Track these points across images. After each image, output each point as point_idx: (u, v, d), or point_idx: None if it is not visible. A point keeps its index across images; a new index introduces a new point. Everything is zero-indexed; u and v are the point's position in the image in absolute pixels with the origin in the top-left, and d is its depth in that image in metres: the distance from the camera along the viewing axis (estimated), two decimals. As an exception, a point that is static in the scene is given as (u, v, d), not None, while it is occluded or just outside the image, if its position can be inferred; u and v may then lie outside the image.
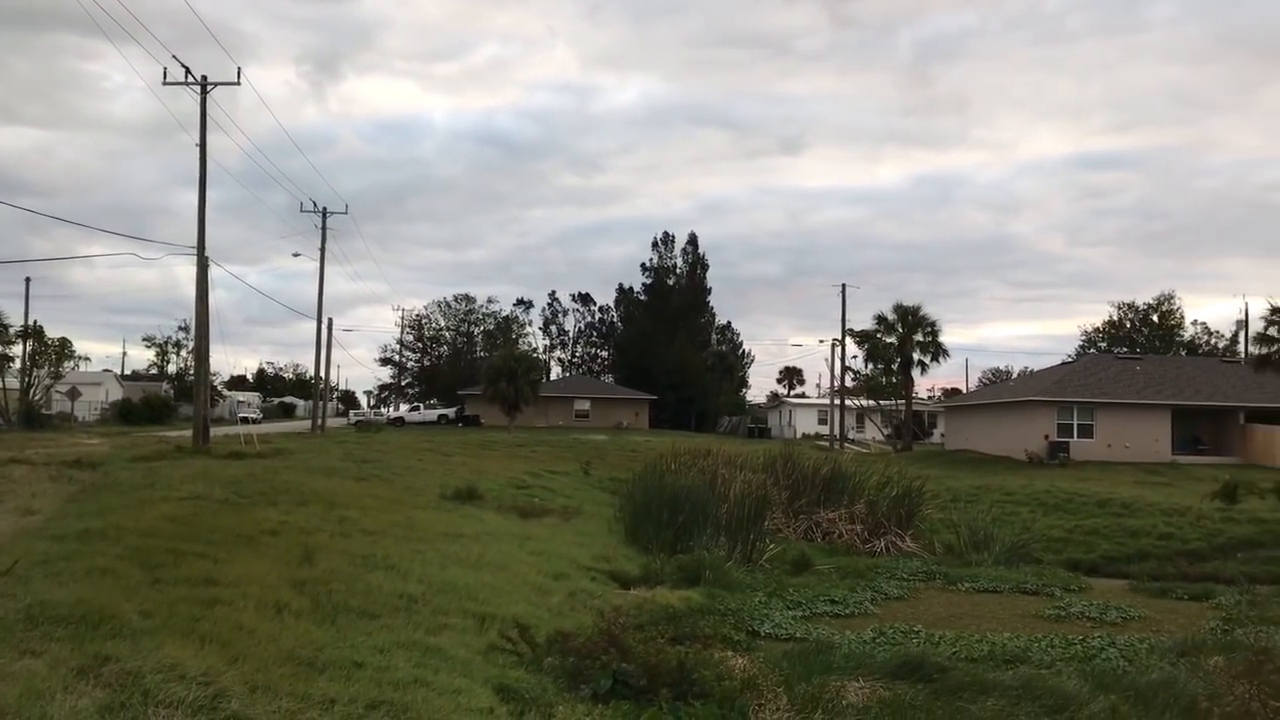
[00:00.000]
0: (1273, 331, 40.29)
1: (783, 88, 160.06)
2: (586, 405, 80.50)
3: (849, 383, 74.24)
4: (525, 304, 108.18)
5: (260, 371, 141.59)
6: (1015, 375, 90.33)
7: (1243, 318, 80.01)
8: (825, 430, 76.77)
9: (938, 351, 62.89)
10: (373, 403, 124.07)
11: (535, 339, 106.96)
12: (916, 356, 62.78)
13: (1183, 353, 75.56)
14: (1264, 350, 41.25)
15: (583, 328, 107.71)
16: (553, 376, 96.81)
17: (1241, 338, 68.63)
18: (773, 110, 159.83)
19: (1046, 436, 48.19)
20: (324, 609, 8.64)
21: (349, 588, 9.58)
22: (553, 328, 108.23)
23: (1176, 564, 23.88)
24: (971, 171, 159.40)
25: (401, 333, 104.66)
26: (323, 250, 56.63)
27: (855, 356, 71.59)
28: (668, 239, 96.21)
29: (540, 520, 19.02)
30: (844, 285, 73.12)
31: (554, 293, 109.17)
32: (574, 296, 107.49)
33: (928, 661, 9.54)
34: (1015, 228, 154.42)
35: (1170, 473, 41.74)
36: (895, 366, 64.34)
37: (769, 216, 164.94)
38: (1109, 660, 10.92)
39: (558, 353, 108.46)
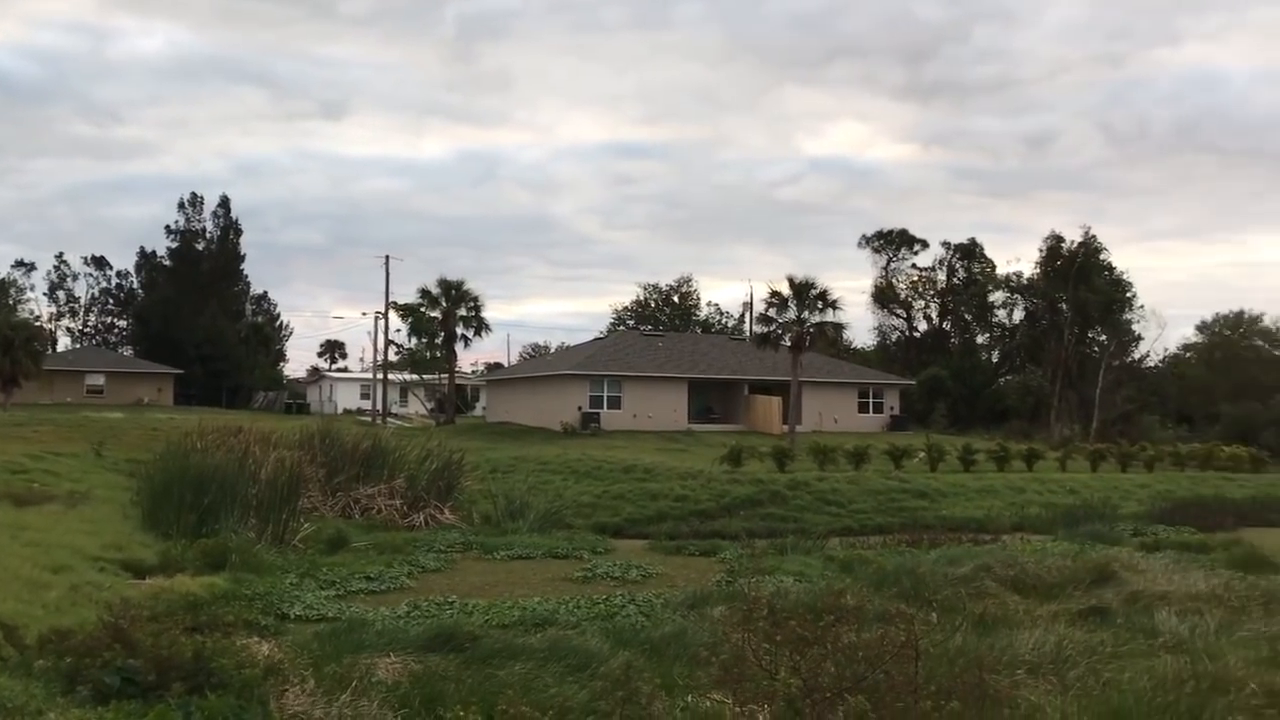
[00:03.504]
0: (772, 313, 45.08)
1: (325, 50, 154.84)
2: (100, 380, 73.25)
3: (393, 357, 73.72)
4: (26, 265, 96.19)
5: None
6: (553, 350, 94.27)
7: (749, 300, 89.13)
8: (368, 405, 75.68)
9: (481, 326, 64.07)
10: None
11: (39, 305, 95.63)
12: (460, 331, 63.52)
13: (699, 331, 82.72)
14: (764, 329, 46.10)
15: (97, 294, 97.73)
16: (60, 348, 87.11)
17: (747, 318, 76.35)
18: (314, 72, 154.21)
19: (580, 408, 50.71)
20: None
21: None
22: (60, 293, 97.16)
23: (690, 523, 26.12)
24: (514, 151, 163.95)
25: None
26: None
27: (399, 330, 71.20)
28: (196, 200, 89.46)
29: (40, 508, 17.00)
30: (388, 257, 72.47)
31: (62, 254, 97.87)
32: (87, 259, 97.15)
33: (460, 631, 9.62)
34: (555, 208, 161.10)
35: (687, 440, 45.50)
36: (439, 341, 64.72)
37: (310, 182, 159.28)
38: (629, 617, 11.63)
39: (66, 321, 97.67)
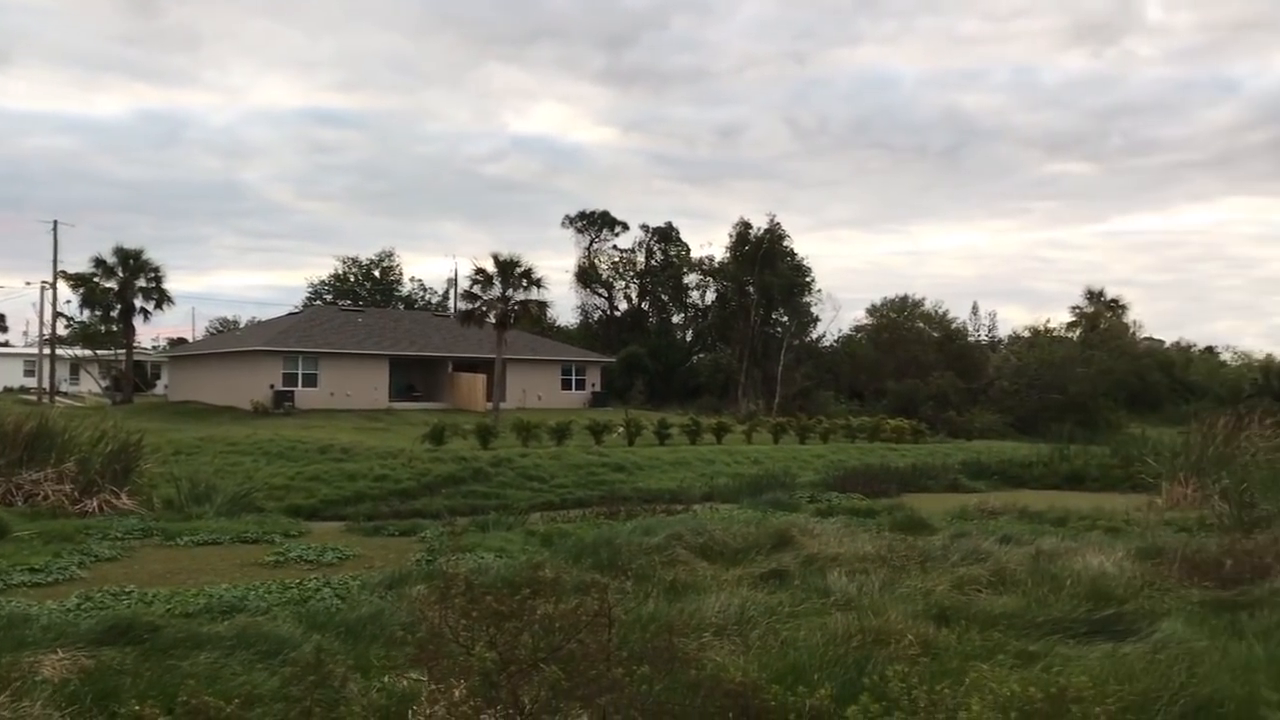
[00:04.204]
0: (476, 290, 44.91)
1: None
2: None
3: (61, 330, 67.56)
4: None
5: None
6: (244, 325, 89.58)
7: (453, 276, 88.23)
8: (34, 383, 69.11)
9: (162, 299, 60.02)
10: None
11: None
12: (139, 304, 59.30)
13: (401, 307, 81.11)
14: (468, 306, 45.86)
15: None
16: None
17: (451, 294, 75.63)
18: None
19: (272, 386, 48.56)
20: None
21: None
22: None
23: (390, 503, 25.67)
24: (202, 113, 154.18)
25: None
26: None
27: (69, 302, 65.26)
28: None
29: None
30: (55, 222, 66.11)
31: None
32: None
33: (138, 622, 9.01)
34: (246, 175, 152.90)
35: (388, 419, 44.63)
36: (115, 314, 60.02)
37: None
38: (324, 600, 11.30)
39: None
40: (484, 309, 45.51)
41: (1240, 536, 15.22)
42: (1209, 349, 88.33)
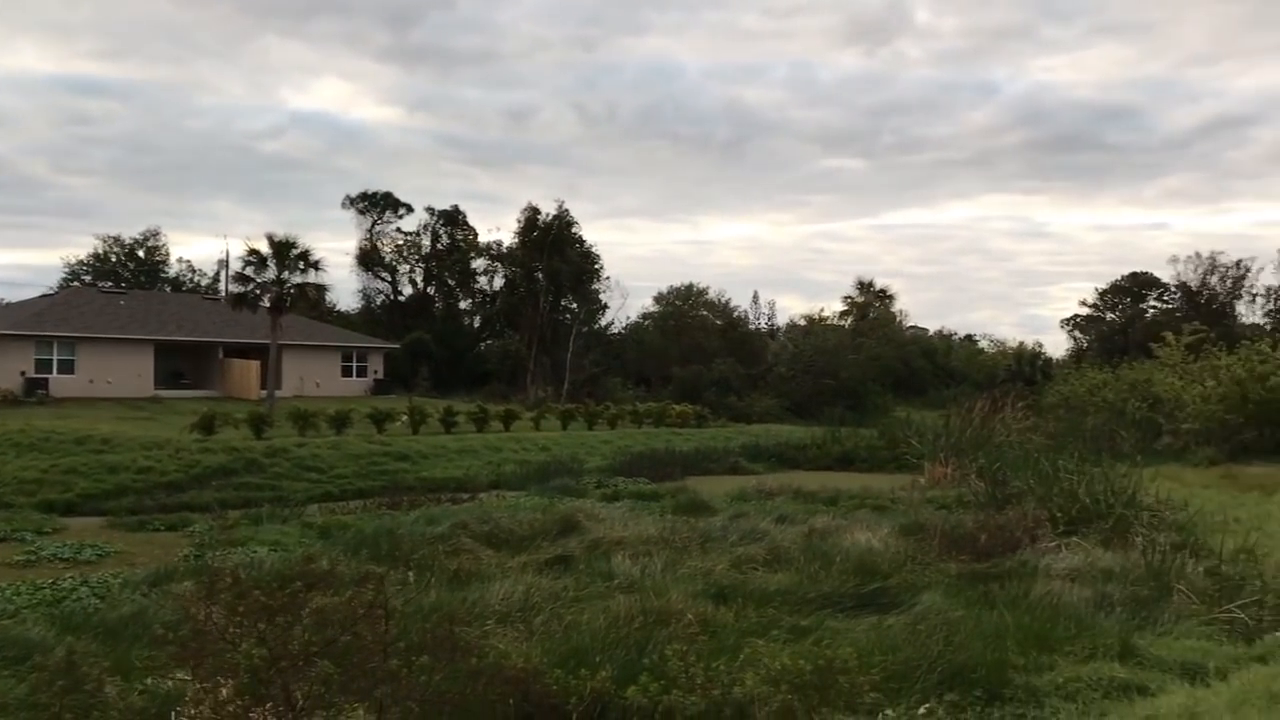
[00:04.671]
0: (250, 272, 43.00)
1: None
2: None
3: None
4: None
5: None
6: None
7: (225, 257, 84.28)
8: None
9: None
10: None
11: None
12: None
13: (168, 289, 76.86)
14: (241, 289, 43.87)
15: None
16: None
17: (223, 276, 72.22)
18: None
19: (23, 373, 45.10)
20: None
21: None
22: None
23: (156, 496, 24.29)
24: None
25: None
26: None
27: None
28: None
29: None
30: None
31: None
32: None
33: None
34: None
35: (153, 407, 42.24)
36: None
37: None
38: (80, 600, 10.62)
39: None
40: (258, 292, 43.61)
41: (994, 513, 16.36)
42: (969, 337, 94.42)
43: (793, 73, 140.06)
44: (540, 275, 69.35)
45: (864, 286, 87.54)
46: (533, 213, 70.81)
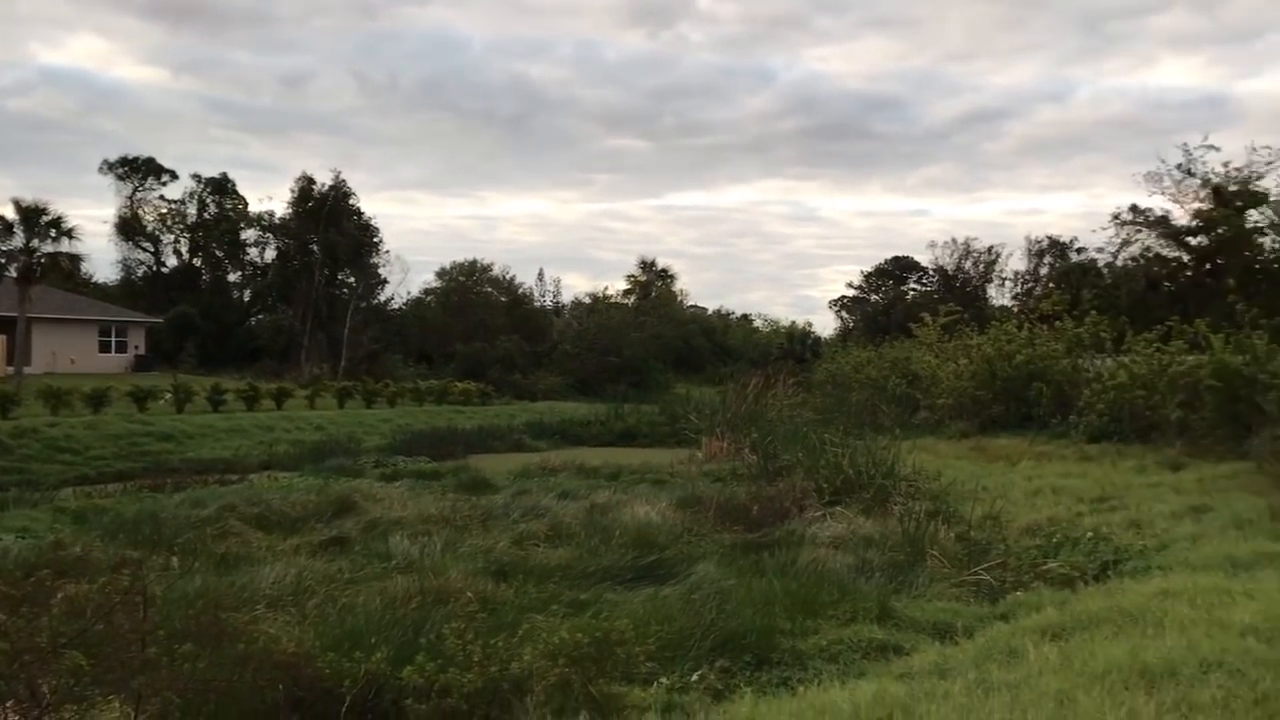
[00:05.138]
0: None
1: None
2: None
3: None
4: None
5: None
6: None
7: (-37, 223, 77.48)
8: None
9: None
10: None
11: None
12: None
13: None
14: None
15: None
16: None
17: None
18: None
19: None
20: None
21: None
22: None
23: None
24: None
25: None
26: None
27: None
28: None
29: None
30: None
31: None
32: None
33: None
34: None
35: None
36: None
37: None
38: None
39: None
40: (4, 261, 40.46)
41: (765, 485, 17.02)
42: (745, 317, 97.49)
43: (578, 51, 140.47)
44: (315, 247, 67.00)
45: (647, 266, 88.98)
46: (307, 182, 68.26)
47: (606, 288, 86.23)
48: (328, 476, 20.66)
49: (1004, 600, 9.32)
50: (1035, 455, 20.94)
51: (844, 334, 74.69)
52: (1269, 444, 15.85)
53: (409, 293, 78.45)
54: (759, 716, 5.66)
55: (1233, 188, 46.40)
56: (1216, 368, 19.04)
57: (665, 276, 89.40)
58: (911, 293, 76.98)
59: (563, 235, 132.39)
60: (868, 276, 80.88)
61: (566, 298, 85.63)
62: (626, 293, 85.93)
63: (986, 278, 73.00)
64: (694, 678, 6.85)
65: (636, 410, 40.62)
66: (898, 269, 79.71)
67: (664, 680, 6.67)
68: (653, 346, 69.79)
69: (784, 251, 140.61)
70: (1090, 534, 11.95)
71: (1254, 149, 48.00)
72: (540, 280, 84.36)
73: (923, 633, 8.17)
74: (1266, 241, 46.71)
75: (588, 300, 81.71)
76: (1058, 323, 28.95)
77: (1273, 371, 18.24)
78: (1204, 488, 14.58)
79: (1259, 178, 45.92)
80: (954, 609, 9.03)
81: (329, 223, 66.13)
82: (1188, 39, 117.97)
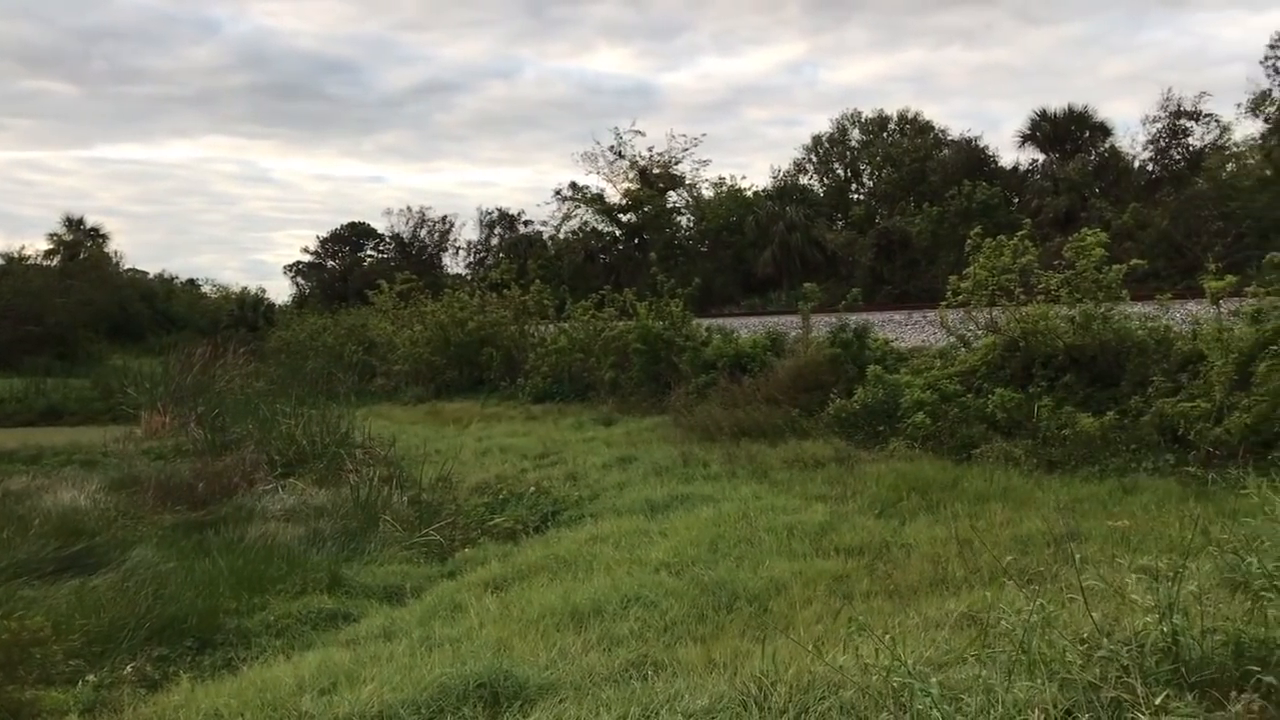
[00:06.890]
0: None
1: None
2: None
3: None
4: None
5: None
6: None
7: None
8: None
9: None
10: None
11: None
12: None
13: None
14: None
15: None
16: None
17: None
18: None
19: None
20: None
21: None
22: None
23: None
24: None
25: None
26: None
27: None
28: None
29: None
30: None
31: None
32: None
33: None
34: None
35: None
36: None
37: None
38: None
39: None
40: None
41: (212, 460, 16.15)
42: (191, 281, 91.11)
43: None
44: None
45: (74, 224, 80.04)
46: None
47: (24, 247, 76.24)
48: None
49: (452, 559, 9.69)
50: (486, 417, 21.92)
51: (300, 300, 72.77)
52: (682, 399, 17.97)
53: None
54: (194, 702, 5.41)
55: (656, 170, 51.79)
56: (641, 332, 21.21)
57: (97, 236, 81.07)
58: (369, 259, 76.77)
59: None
60: (324, 242, 79.37)
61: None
62: (49, 253, 76.71)
63: (442, 246, 74.72)
64: (127, 670, 6.38)
65: (64, 385, 36.55)
66: (355, 235, 79.07)
67: (91, 678, 6.15)
68: (83, 314, 63.16)
69: (235, 213, 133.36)
70: (533, 488, 12.78)
71: (673, 136, 53.90)
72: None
73: (373, 598, 8.26)
74: (683, 220, 52.77)
75: (2, 261, 71.91)
76: (506, 291, 30.48)
77: (686, 335, 20.75)
78: (631, 440, 16.17)
79: (677, 163, 51.72)
80: (404, 571, 9.22)
81: None
82: (621, 30, 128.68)
